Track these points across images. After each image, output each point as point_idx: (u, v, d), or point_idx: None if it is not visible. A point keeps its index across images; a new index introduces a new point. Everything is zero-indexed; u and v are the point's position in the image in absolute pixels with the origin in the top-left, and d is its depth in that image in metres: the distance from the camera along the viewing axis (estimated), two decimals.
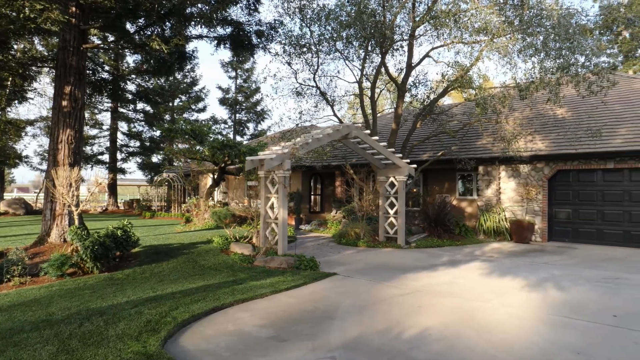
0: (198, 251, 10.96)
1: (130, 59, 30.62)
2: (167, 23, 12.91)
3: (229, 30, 14.52)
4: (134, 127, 35.03)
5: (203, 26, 13.69)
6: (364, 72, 16.49)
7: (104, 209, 30.23)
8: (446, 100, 26.57)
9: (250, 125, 43.64)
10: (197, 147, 17.51)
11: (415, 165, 13.91)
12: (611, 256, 11.43)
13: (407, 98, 16.82)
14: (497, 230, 14.75)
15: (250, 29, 14.58)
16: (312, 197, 22.50)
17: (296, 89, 17.25)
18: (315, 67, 16.49)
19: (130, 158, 35.28)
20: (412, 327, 5.51)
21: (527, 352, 4.72)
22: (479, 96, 13.65)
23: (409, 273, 8.99)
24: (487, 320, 5.81)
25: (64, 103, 11.18)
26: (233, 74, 41.89)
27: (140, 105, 33.53)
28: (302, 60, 16.50)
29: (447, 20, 12.79)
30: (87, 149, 33.08)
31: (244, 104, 42.64)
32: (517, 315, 6.07)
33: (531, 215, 14.73)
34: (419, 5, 15.02)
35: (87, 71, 17.17)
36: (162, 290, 7.10)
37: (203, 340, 5.08)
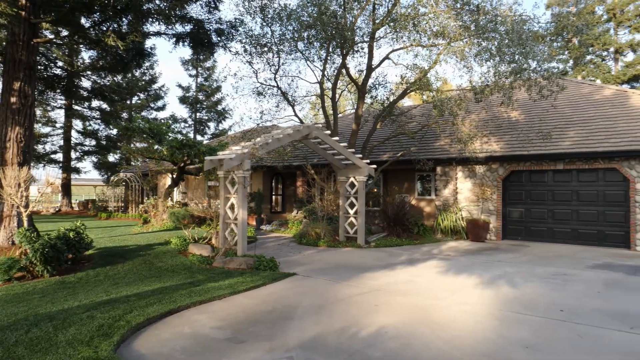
0: (155, 253, 10.74)
1: (86, 55, 29.72)
2: (124, 19, 12.58)
3: (188, 27, 14.28)
4: (90, 125, 33.95)
5: (161, 23, 13.42)
6: (325, 73, 16.58)
7: (57, 210, 29.16)
8: (406, 102, 27.01)
9: (212, 125, 43.08)
10: (156, 147, 17.13)
11: (375, 166, 14.08)
12: (560, 253, 11.92)
13: (368, 99, 17.01)
14: (454, 229, 15.12)
15: (211, 27, 14.40)
16: (274, 197, 22.42)
17: (257, 88, 17.17)
18: (277, 67, 16.46)
19: (86, 157, 34.18)
20: (370, 325, 5.58)
21: (479, 347, 4.87)
22: (437, 98, 13.96)
23: (367, 272, 9.10)
24: (442, 318, 5.95)
25: (13, 100, 10.71)
26: (194, 72, 41.23)
27: (96, 103, 32.54)
28: (263, 60, 16.44)
29: (406, 24, 13.01)
30: (39, 147, 31.81)
31: (205, 103, 42.03)
32: (471, 311, 6.24)
33: (486, 214, 15.18)
34: (379, 8, 15.22)
35: (39, 67, 16.53)
36: (116, 294, 6.92)
37: (158, 343, 4.99)
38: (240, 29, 15.31)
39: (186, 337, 5.15)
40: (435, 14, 12.42)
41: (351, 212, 13.59)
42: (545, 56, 13.35)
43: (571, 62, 36.22)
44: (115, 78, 32.02)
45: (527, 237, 14.67)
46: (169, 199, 18.71)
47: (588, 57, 36.10)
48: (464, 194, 15.79)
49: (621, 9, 34.12)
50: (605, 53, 35.77)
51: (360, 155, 14.52)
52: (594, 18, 35.14)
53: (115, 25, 12.78)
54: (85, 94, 28.95)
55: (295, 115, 17.36)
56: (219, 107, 42.29)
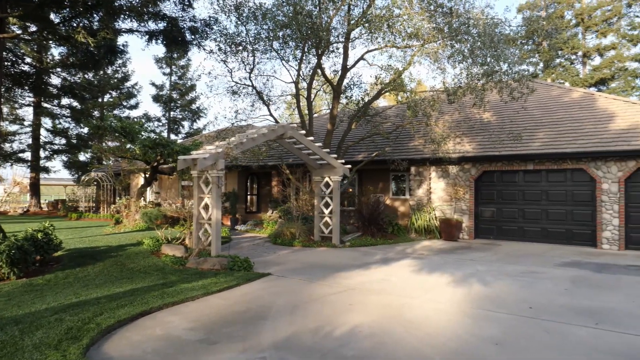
0: (127, 254, 10.56)
1: (55, 52, 29.00)
2: (95, 15, 12.33)
3: (161, 25, 14.11)
4: (59, 123, 33.15)
5: (134, 20, 13.21)
6: (301, 73, 16.56)
7: (25, 210, 28.38)
8: (381, 103, 27.21)
9: (186, 124, 42.58)
10: (128, 146, 16.85)
11: (350, 166, 14.15)
12: (530, 252, 12.19)
13: (343, 99, 17.07)
14: (428, 228, 15.30)
15: (184, 25, 14.26)
16: (249, 197, 22.30)
17: (232, 87, 17.05)
18: (252, 66, 16.37)
19: (55, 156, 33.38)
20: (344, 325, 5.61)
21: (450, 345, 4.94)
22: (411, 99, 14.10)
23: (342, 272, 9.14)
24: (415, 316, 6.02)
25: None
26: (167, 70, 40.67)
27: (66, 101, 31.82)
28: (237, 59, 16.31)
29: (381, 25, 13.10)
30: (6, 146, 30.90)
31: (179, 102, 41.51)
32: (443, 310, 6.33)
33: (459, 214, 15.41)
34: (354, 9, 15.28)
35: (6, 62, 16.06)
36: (86, 296, 6.78)
37: (129, 346, 4.91)
38: (214, 27, 15.22)
39: (158, 339, 5.09)
40: (409, 15, 12.54)
41: (326, 211, 13.62)
42: (516, 59, 13.63)
43: (541, 65, 37.08)
44: (86, 75, 31.38)
45: (499, 236, 14.96)
46: (142, 199, 18.41)
47: (557, 61, 37.03)
48: (437, 193, 16.00)
49: (589, 14, 35.11)
50: (573, 57, 36.75)
51: (335, 155, 14.56)
52: (563, 22, 36.09)
53: (86, 22, 12.52)
54: (54, 91, 28.26)
55: (271, 114, 17.30)
56: (194, 106, 41.83)
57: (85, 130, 32.86)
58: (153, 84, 40.41)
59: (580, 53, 35.82)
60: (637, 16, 33.98)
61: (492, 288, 7.72)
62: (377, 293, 7.32)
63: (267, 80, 26.40)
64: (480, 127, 16.86)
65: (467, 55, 12.84)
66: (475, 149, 15.37)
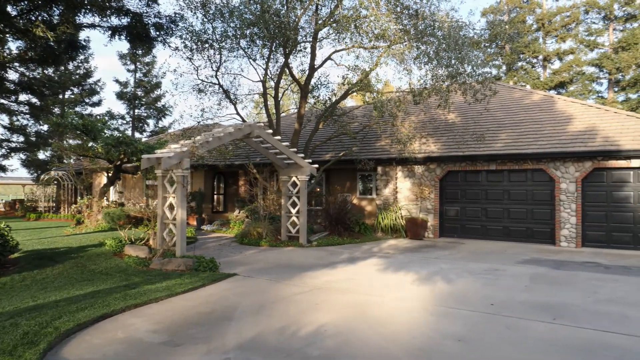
0: (88, 255, 10.28)
1: (13, 46, 27.91)
2: (55, 8, 11.94)
3: (125, 20, 13.78)
4: (17, 120, 31.96)
5: (96, 15, 12.85)
6: (268, 72, 16.49)
7: None
8: (348, 102, 27.36)
9: (151, 122, 41.73)
10: (90, 144, 16.38)
11: (317, 165, 14.17)
12: (492, 250, 12.50)
13: (311, 99, 17.08)
14: (394, 227, 15.49)
15: (149, 21, 13.97)
16: (215, 196, 22.04)
17: (197, 85, 16.82)
18: (218, 64, 16.18)
19: (13, 154, 32.16)
20: (309, 324, 5.61)
21: (415, 342, 5.02)
22: (377, 100, 14.24)
23: (308, 271, 9.15)
24: (381, 314, 6.09)
25: None
26: (132, 67, 39.74)
27: (24, 97, 30.65)
28: (204, 57, 16.10)
29: (348, 25, 13.18)
30: None
31: (144, 99, 40.63)
32: (408, 307, 6.43)
33: (425, 213, 15.67)
34: (322, 9, 15.32)
35: None
36: (44, 299, 6.56)
37: (88, 350, 4.77)
38: (180, 24, 14.98)
39: (119, 342, 4.97)
40: (376, 16, 12.66)
41: (293, 211, 13.61)
42: (479, 61, 13.94)
43: (504, 67, 38.07)
44: (45, 71, 30.32)
45: (463, 234, 15.28)
46: (105, 198, 17.95)
47: (519, 64, 38.09)
48: (403, 193, 16.22)
49: (549, 20, 36.27)
50: (534, 60, 37.87)
51: (303, 155, 14.56)
52: (525, 27, 37.15)
53: (45, 15, 12.11)
54: (12, 87, 27.18)
55: (237, 113, 17.17)
56: (159, 104, 41.02)
57: (45, 127, 31.80)
58: (117, 81, 39.41)
59: (540, 57, 36.94)
60: (594, 22, 35.33)
61: (455, 286, 7.88)
62: (343, 292, 7.37)
63: (235, 78, 26.19)
64: (445, 128, 17.17)
65: (433, 57, 13.07)
66: (440, 149, 15.65)
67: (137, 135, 40.08)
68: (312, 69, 15.83)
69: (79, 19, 13.19)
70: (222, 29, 15.12)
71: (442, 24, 13.05)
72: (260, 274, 8.83)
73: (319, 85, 16.97)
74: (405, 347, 4.88)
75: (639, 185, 12.62)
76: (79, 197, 22.83)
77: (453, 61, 13.03)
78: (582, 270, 9.46)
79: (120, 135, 15.63)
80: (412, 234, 15.06)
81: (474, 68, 13.61)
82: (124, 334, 5.23)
